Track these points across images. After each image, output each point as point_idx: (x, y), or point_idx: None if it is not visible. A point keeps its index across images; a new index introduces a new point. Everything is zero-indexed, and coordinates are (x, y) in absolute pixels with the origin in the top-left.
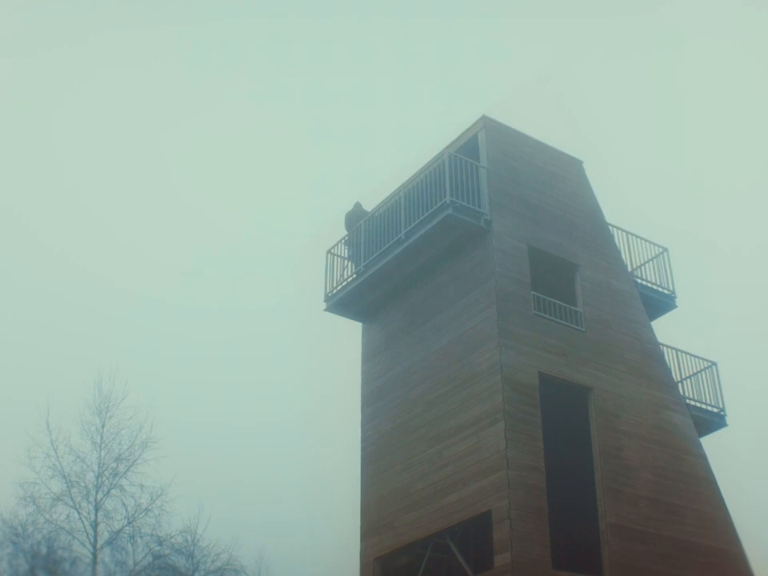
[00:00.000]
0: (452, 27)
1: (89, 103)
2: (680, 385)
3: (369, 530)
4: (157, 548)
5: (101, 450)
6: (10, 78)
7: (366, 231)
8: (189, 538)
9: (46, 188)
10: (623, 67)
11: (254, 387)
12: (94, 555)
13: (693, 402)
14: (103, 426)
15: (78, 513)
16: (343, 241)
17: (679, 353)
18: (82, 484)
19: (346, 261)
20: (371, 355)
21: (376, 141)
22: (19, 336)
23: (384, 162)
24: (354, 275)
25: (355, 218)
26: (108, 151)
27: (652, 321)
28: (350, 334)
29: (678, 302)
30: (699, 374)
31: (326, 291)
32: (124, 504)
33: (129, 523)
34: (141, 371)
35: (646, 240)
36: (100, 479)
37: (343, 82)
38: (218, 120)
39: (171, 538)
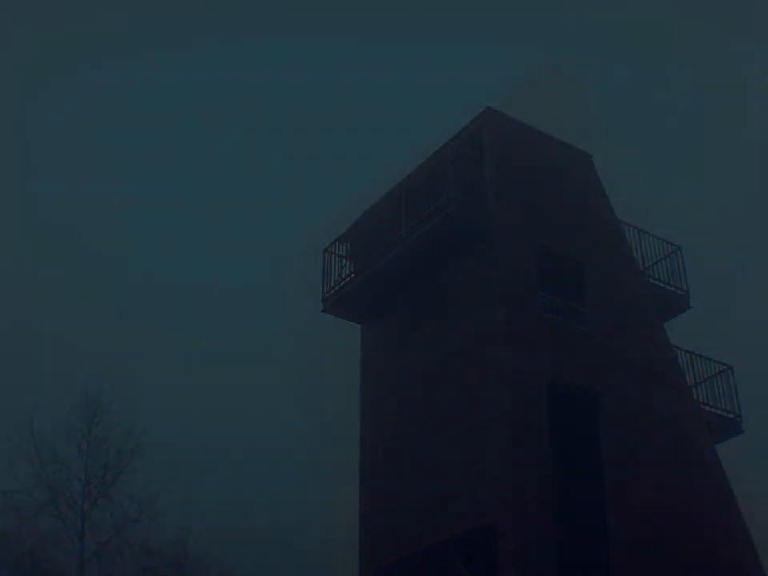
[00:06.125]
0: (453, 21)
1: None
2: (694, 389)
3: (368, 541)
4: (146, 560)
5: (87, 457)
6: None
7: (365, 229)
8: (180, 549)
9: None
10: (629, 61)
11: (250, 390)
12: (81, 568)
13: (707, 407)
14: (90, 433)
15: (64, 523)
16: (342, 239)
17: (693, 356)
18: (68, 493)
19: (344, 260)
20: (371, 358)
21: (377, 135)
22: (3, 336)
23: (385, 156)
24: (353, 274)
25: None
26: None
27: (665, 322)
28: (349, 335)
29: (691, 302)
30: (714, 378)
31: (323, 291)
32: (112, 514)
33: (117, 534)
34: (131, 373)
35: (658, 238)
36: (86, 488)
37: (344, 75)
38: (217, 116)
39: (161, 549)
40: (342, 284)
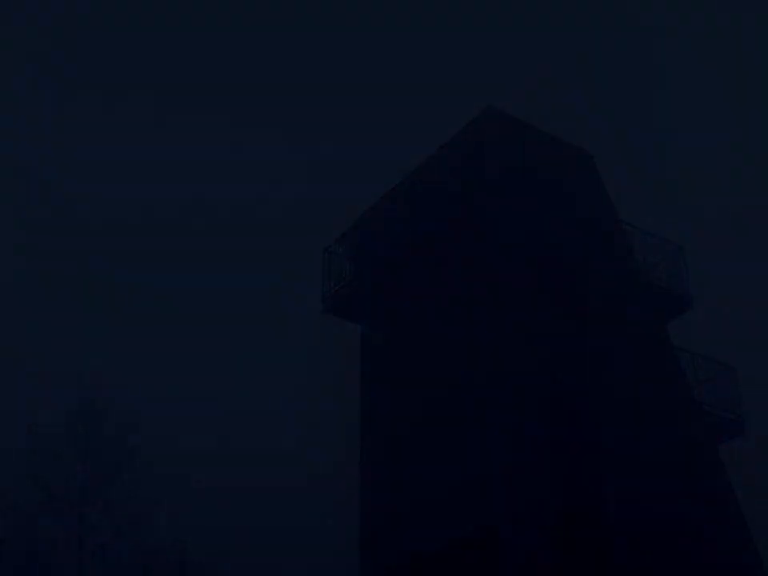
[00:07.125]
0: (454, 21)
1: None
2: (696, 390)
3: (368, 543)
4: (145, 562)
5: (86, 458)
6: None
7: (365, 229)
8: (180, 550)
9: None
10: (632, 58)
11: (250, 390)
12: (79, 569)
13: (709, 409)
14: (88, 433)
15: (62, 525)
16: (342, 239)
17: (695, 356)
18: (66, 494)
19: (344, 260)
20: (371, 358)
21: (377, 134)
22: (1, 336)
23: (386, 155)
24: (353, 274)
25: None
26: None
27: (666, 322)
28: (348, 336)
29: (692, 302)
30: (716, 379)
31: (323, 292)
32: (111, 515)
33: (116, 536)
34: (130, 373)
35: (658, 238)
36: (85, 489)
37: (343, 75)
38: (218, 114)
39: (161, 551)
40: (342, 284)
